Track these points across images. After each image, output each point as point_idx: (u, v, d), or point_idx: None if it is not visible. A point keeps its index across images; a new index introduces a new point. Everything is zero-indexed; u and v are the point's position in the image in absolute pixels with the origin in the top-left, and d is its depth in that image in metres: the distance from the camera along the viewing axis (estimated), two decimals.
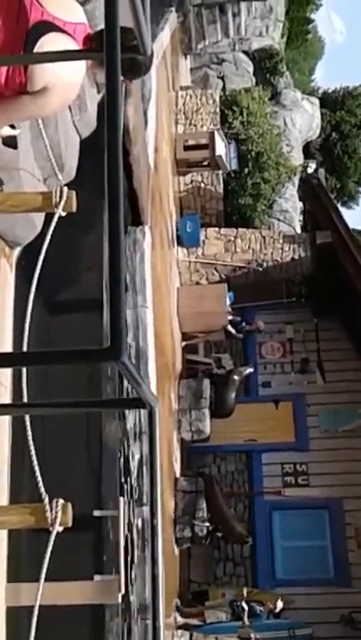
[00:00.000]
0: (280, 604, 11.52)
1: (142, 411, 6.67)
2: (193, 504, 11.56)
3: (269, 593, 12.29)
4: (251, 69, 19.31)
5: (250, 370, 14.19)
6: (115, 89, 2.00)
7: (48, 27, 3.18)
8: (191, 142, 15.52)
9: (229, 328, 14.19)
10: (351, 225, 14.63)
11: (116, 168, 1.92)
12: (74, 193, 3.73)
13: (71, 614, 5.55)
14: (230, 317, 14.19)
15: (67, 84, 3.29)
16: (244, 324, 14.67)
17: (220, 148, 14.96)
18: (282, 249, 15.10)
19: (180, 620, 10.95)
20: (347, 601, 13.15)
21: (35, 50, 3.15)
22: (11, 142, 4.10)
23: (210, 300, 13.99)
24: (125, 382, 7.40)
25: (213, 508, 11.65)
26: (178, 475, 12.03)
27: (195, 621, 11.07)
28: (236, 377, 13.65)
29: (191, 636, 10.33)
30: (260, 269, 14.99)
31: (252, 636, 10.64)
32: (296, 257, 15.05)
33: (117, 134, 1.95)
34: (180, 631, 10.39)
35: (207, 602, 11.76)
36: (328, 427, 14.66)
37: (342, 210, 18.38)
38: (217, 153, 14.83)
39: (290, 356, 15.56)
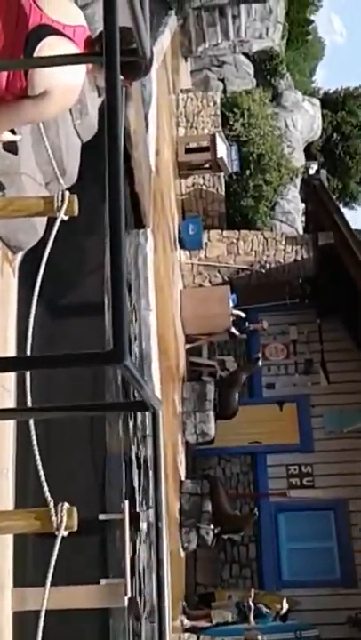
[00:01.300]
0: (286, 605, 11.51)
1: (146, 413, 6.67)
2: (199, 506, 11.55)
3: (275, 594, 12.28)
4: (251, 71, 19.31)
5: (258, 359, 14.12)
6: (115, 93, 2.00)
7: (47, 30, 3.18)
8: (192, 145, 15.53)
9: (233, 329, 14.18)
10: (353, 226, 14.62)
11: (117, 172, 1.93)
12: (75, 197, 3.74)
13: (77, 619, 5.55)
14: (234, 312, 14.13)
15: (67, 87, 3.29)
16: (247, 323, 14.66)
17: (222, 150, 14.97)
18: (284, 250, 15.10)
19: (187, 622, 10.94)
20: (353, 602, 13.13)
21: (35, 53, 3.15)
22: (11, 148, 4.11)
23: (213, 302, 13.99)
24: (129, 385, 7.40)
25: (216, 507, 11.64)
26: (183, 477, 12.02)
27: (202, 623, 11.06)
28: (245, 373, 13.63)
29: (198, 638, 10.32)
30: (263, 271, 14.98)
31: (259, 637, 10.62)
32: (299, 258, 15.04)
33: (118, 138, 1.96)
34: (186, 634, 10.38)
35: (213, 603, 11.76)
36: (333, 427, 14.65)
37: (344, 210, 18.42)
38: (218, 155, 14.84)
39: (294, 357, 15.56)
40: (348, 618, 12.92)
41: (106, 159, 1.93)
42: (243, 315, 14.41)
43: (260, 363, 14.24)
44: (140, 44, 2.41)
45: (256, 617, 11.09)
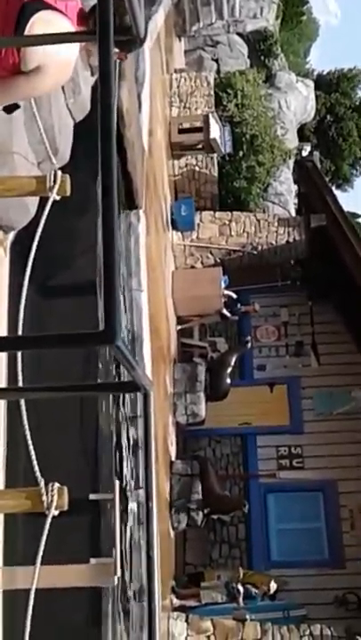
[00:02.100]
0: (273, 585, 11.60)
1: (137, 394, 6.68)
2: (189, 487, 11.60)
3: (264, 574, 12.37)
4: (245, 51, 19.21)
5: (248, 341, 14.15)
6: (108, 72, 1.99)
7: (39, 5, 3.15)
8: (186, 125, 15.45)
9: (224, 311, 14.18)
10: (345, 208, 14.63)
11: (109, 151, 1.92)
12: (68, 177, 3.72)
13: (67, 597, 5.58)
14: (226, 293, 14.13)
15: (60, 62, 3.26)
16: (239, 305, 14.66)
17: (215, 130, 14.90)
18: (276, 232, 15.08)
19: (177, 601, 11.02)
20: (341, 582, 13.25)
21: (27, 29, 3.12)
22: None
23: (205, 283, 13.98)
24: (121, 366, 7.41)
25: (206, 487, 11.70)
26: (173, 458, 12.06)
27: (191, 603, 11.15)
28: (235, 355, 13.65)
29: (187, 617, 10.39)
30: (255, 253, 14.97)
31: (248, 617, 10.72)
32: (291, 240, 15.03)
33: (111, 117, 1.94)
34: (175, 613, 10.45)
35: (203, 583, 11.84)
36: (323, 409, 14.71)
37: (337, 193, 18.36)
38: (211, 136, 14.78)
39: (285, 339, 15.59)
40: (336, 598, 13.03)
41: (99, 138, 1.92)
42: (234, 296, 14.41)
43: (249, 345, 14.27)
44: (135, 23, 2.39)
45: (245, 599, 11.19)
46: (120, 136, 7.59)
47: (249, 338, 14.50)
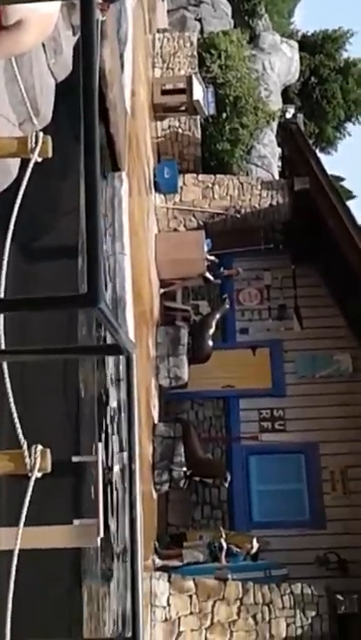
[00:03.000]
0: (256, 545, 11.74)
1: (120, 357, 6.69)
2: (171, 449, 11.69)
3: (246, 534, 12.52)
4: (229, 11, 18.99)
5: (226, 298, 14.14)
6: (90, 30, 1.95)
7: None
8: (169, 86, 15.29)
9: (207, 274, 14.17)
10: (329, 171, 14.57)
11: (92, 112, 1.89)
12: (49, 138, 3.68)
13: (51, 558, 5.63)
14: (209, 258, 14.11)
15: (43, 15, 3.20)
16: (222, 269, 14.65)
17: (198, 92, 14.76)
18: (260, 195, 15.03)
19: (159, 562, 11.15)
20: (322, 542, 13.45)
21: None
22: None
23: (188, 246, 13.95)
24: (104, 331, 7.41)
25: (189, 450, 11.79)
26: (156, 421, 12.13)
27: (173, 563, 11.28)
28: (216, 316, 13.65)
29: (170, 577, 10.52)
30: (238, 216, 14.93)
31: (229, 576, 10.86)
32: (274, 203, 14.99)
33: (93, 77, 1.92)
34: (158, 573, 10.57)
35: (185, 543, 11.98)
36: (305, 372, 14.80)
37: (320, 156, 18.27)
38: (195, 97, 14.64)
39: (267, 302, 15.61)
40: (317, 557, 13.24)
41: (81, 99, 1.89)
42: (216, 260, 14.40)
43: (228, 304, 14.19)
44: None
45: (227, 556, 11.33)
46: (102, 97, 7.51)
47: (226, 295, 14.43)
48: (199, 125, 15.59)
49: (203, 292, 15.38)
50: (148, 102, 14.04)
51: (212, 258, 14.28)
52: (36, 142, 3.59)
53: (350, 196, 25.86)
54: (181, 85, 14.97)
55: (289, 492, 14.18)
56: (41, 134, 3.65)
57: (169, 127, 15.53)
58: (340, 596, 11.12)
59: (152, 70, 15.50)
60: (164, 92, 15.12)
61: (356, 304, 13.95)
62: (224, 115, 15.70)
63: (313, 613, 10.83)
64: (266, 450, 14.47)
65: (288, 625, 10.77)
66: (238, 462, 14.17)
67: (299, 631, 10.75)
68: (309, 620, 10.81)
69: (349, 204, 14.76)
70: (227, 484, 12.54)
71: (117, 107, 8.38)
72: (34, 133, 3.64)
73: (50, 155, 3.67)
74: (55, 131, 4.18)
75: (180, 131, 15.53)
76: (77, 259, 7.45)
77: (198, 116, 15.39)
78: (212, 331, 13.44)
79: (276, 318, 15.39)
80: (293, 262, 15.27)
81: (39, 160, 3.64)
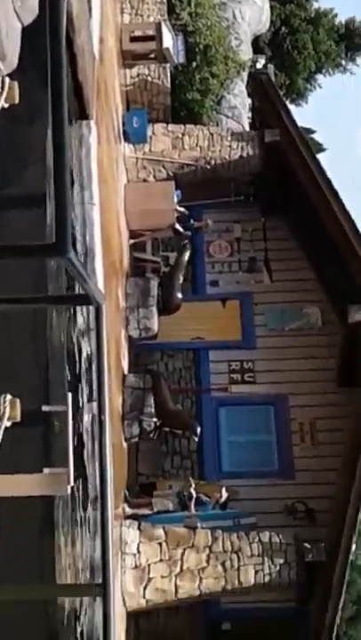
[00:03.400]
0: (225, 494, 11.92)
1: (90, 307, 6.68)
2: (141, 400, 11.76)
3: (215, 484, 12.69)
4: None
5: (186, 244, 13.96)
6: None
7: None
8: (137, 33, 15.03)
9: (177, 226, 14.11)
10: (299, 123, 14.48)
11: (59, 58, 1.86)
12: (16, 84, 3.62)
13: (21, 506, 5.68)
14: (178, 209, 14.02)
15: None
16: (192, 221, 14.59)
17: (168, 39, 14.53)
18: (230, 147, 14.92)
19: (129, 510, 11.29)
20: (290, 492, 13.69)
21: None
22: None
23: (157, 197, 13.86)
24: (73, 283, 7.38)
25: (159, 401, 11.87)
26: (126, 372, 12.17)
27: (143, 511, 11.43)
28: (182, 262, 13.57)
29: (139, 525, 10.67)
30: (208, 167, 14.83)
31: (199, 525, 11.04)
32: (244, 155, 14.89)
33: (61, 20, 1.88)
34: (128, 521, 10.71)
35: (155, 492, 12.12)
36: (274, 325, 14.88)
37: (291, 107, 18.12)
38: (164, 45, 14.42)
39: (237, 255, 15.61)
40: (285, 507, 13.49)
41: (48, 43, 1.86)
42: (186, 211, 14.32)
43: (188, 248, 13.97)
44: None
45: (196, 505, 11.49)
46: (70, 42, 7.37)
47: (186, 241, 14.20)
48: (169, 74, 15.38)
49: (172, 244, 15.32)
50: (116, 49, 13.81)
51: (182, 209, 14.21)
52: (3, 88, 3.53)
53: (320, 148, 25.79)
54: (150, 32, 14.71)
55: (258, 442, 14.36)
56: (7, 80, 3.59)
57: (138, 75, 15.30)
58: (307, 545, 11.37)
59: (120, 16, 15.20)
60: (133, 39, 14.86)
61: (324, 257, 14.00)
62: (194, 64, 15.48)
63: (281, 561, 11.07)
64: (236, 401, 14.60)
65: (256, 572, 11.01)
66: (208, 413, 14.29)
67: (267, 578, 11.00)
68: (278, 568, 11.05)
69: (320, 156, 14.69)
70: (196, 439, 12.69)
71: (85, 52, 8.23)
72: (0, 78, 3.58)
73: (16, 101, 3.61)
74: (22, 76, 4.11)
75: (149, 79, 15.32)
76: (46, 208, 7.38)
77: (168, 65, 15.17)
78: (181, 278, 13.42)
79: (246, 271, 15.40)
80: (263, 215, 15.25)
81: (6, 106, 3.59)
